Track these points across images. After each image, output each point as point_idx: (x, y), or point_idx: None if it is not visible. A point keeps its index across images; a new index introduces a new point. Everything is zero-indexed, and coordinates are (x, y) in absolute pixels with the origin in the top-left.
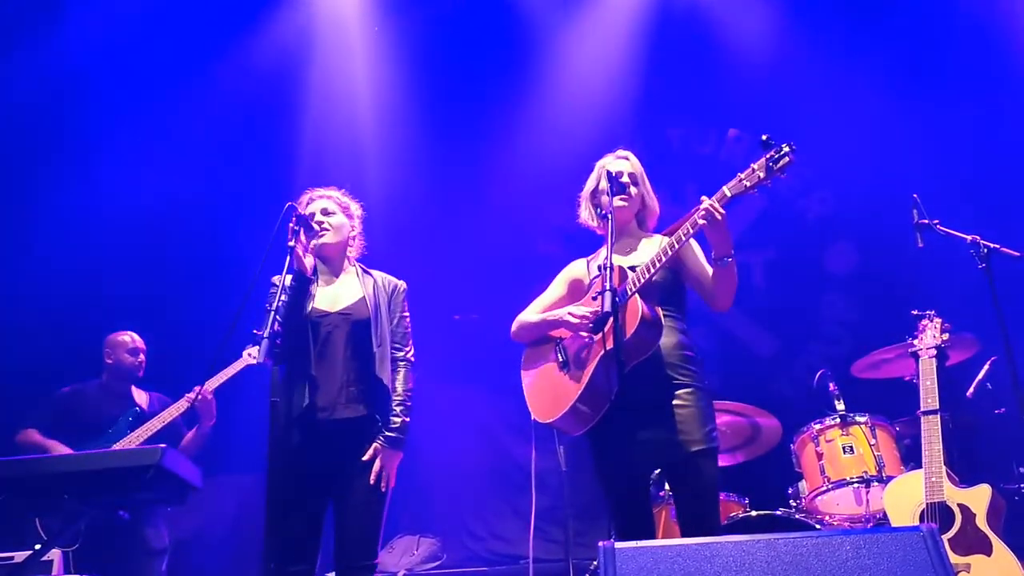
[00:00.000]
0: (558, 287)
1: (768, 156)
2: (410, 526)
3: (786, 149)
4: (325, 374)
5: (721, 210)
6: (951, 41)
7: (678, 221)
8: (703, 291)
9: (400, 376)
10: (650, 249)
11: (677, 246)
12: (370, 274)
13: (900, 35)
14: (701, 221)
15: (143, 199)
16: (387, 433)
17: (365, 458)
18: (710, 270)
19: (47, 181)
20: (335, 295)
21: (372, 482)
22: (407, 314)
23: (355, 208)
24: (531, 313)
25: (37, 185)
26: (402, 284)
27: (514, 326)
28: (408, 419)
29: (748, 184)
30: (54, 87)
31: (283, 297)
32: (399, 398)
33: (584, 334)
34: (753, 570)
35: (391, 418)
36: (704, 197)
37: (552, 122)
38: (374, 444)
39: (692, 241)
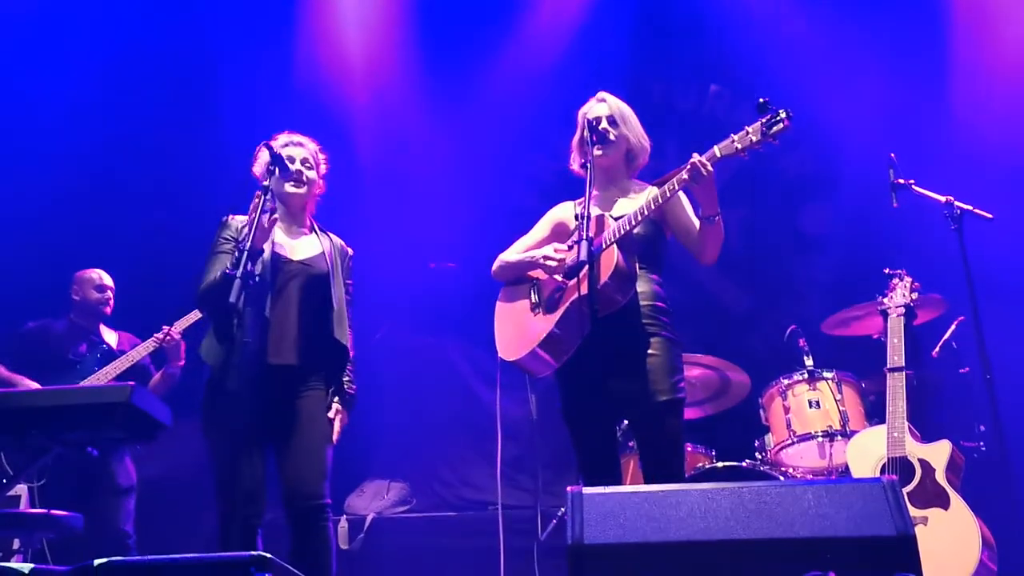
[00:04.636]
0: (542, 228)
1: (764, 120)
2: (381, 471)
3: (783, 115)
4: (278, 319)
5: (709, 167)
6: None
7: (668, 174)
8: (690, 244)
9: (350, 341)
10: (637, 199)
11: (661, 201)
12: (327, 234)
13: None
14: (686, 176)
15: (115, 132)
16: (347, 395)
17: (330, 415)
18: (697, 223)
19: (9, 107)
20: (292, 245)
21: (335, 441)
22: (351, 282)
23: (324, 166)
24: (512, 253)
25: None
26: (350, 250)
27: (495, 265)
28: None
29: (739, 147)
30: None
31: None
32: (351, 364)
33: (558, 278)
34: (718, 517)
35: (347, 383)
36: (695, 155)
37: (530, 71)
38: (335, 406)
39: (681, 194)
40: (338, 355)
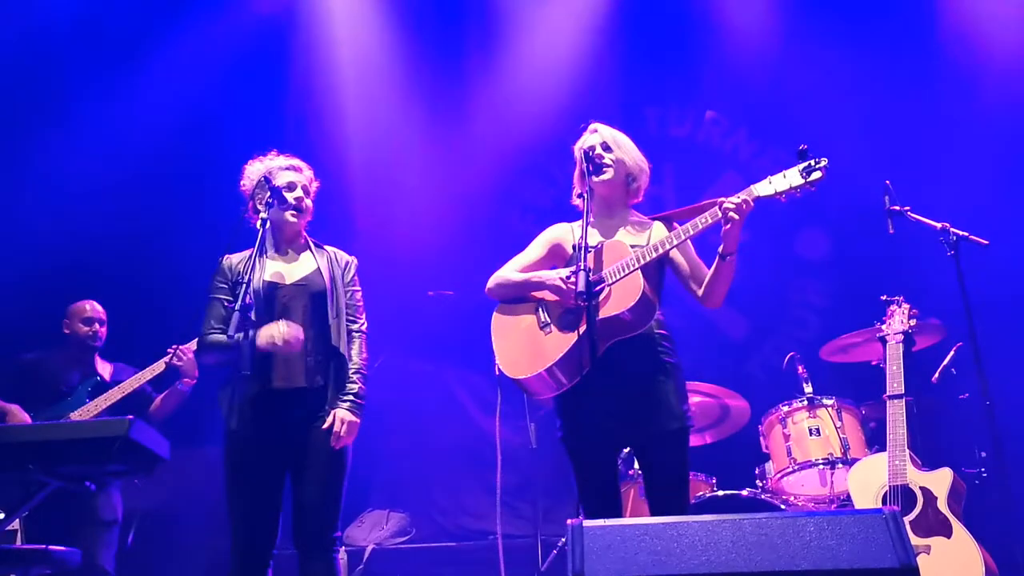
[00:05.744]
0: (537, 248)
1: (802, 167)
2: (380, 501)
3: (824, 163)
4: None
5: (752, 204)
6: (926, 28)
7: (676, 210)
8: (695, 287)
9: (355, 347)
10: (640, 233)
11: (692, 232)
12: (323, 248)
13: (875, 20)
14: (733, 215)
15: (116, 168)
16: (345, 398)
17: (325, 426)
18: (705, 269)
19: (19, 145)
20: (289, 268)
21: (334, 445)
22: (359, 288)
23: (314, 188)
24: (511, 271)
25: (8, 148)
26: (353, 260)
27: (491, 282)
28: (364, 387)
29: (776, 190)
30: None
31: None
32: (355, 367)
33: (576, 302)
34: (719, 549)
35: (347, 384)
36: (741, 194)
37: (527, 98)
38: (333, 410)
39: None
40: (339, 363)
